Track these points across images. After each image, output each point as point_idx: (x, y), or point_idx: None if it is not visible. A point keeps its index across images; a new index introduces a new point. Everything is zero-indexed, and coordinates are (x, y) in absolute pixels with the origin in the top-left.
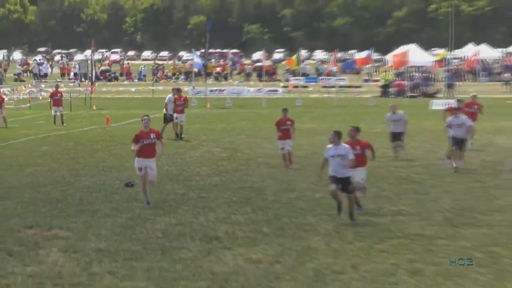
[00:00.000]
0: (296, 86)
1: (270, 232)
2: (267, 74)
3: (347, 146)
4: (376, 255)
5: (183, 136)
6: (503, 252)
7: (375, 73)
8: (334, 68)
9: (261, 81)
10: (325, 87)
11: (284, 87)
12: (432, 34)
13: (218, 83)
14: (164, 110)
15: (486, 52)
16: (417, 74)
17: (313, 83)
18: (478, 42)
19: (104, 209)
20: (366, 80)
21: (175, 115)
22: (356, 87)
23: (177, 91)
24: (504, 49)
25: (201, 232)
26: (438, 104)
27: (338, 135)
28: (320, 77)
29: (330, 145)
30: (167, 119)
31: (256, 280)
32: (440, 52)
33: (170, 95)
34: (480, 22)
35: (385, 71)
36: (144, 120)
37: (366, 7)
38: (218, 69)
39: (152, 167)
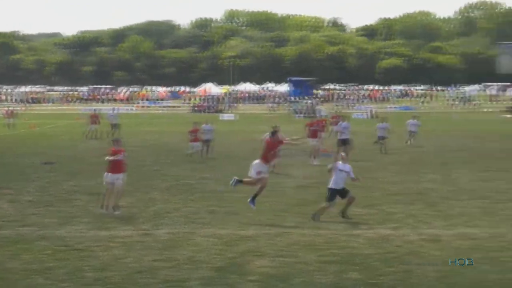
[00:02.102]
0: None
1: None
2: None
3: (350, 166)
4: (189, 202)
5: None
6: (260, 199)
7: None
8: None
9: None
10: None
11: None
12: (222, 77)
13: None
14: None
15: (250, 87)
16: (211, 100)
17: None
18: (245, 81)
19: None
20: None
21: None
22: (178, 106)
23: None
24: (259, 86)
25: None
26: (223, 116)
27: (347, 155)
28: None
29: (340, 161)
30: None
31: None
32: (225, 87)
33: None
34: (245, 70)
35: (195, 98)
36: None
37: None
38: None
39: (120, 178)
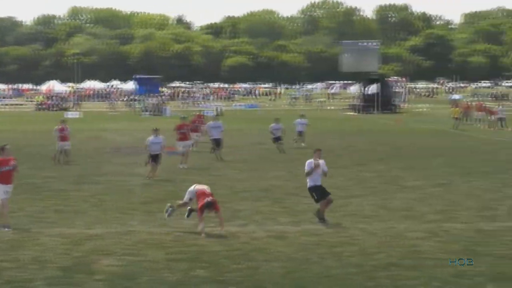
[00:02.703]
0: None
1: None
2: None
3: (323, 160)
4: (34, 202)
5: None
6: (107, 197)
7: (30, 98)
8: None
9: None
10: None
11: None
12: (66, 75)
13: None
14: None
15: (95, 85)
16: (56, 97)
17: None
18: (90, 79)
19: None
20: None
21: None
22: (22, 104)
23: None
24: (104, 83)
25: None
26: (68, 114)
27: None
28: None
29: (311, 160)
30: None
31: None
32: (70, 84)
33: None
34: (90, 67)
35: (39, 96)
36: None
37: None
38: None
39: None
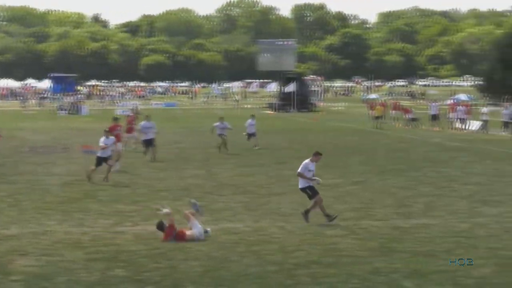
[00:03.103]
0: None
1: None
2: None
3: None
4: None
5: None
6: (23, 197)
7: None
8: None
9: None
10: None
11: None
12: None
13: None
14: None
15: (11, 83)
16: None
17: None
18: (5, 77)
19: None
20: None
21: None
22: None
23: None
24: (20, 82)
25: None
26: None
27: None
28: None
29: (308, 161)
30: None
31: None
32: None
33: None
34: (5, 66)
35: None
36: None
37: None
38: None
39: None
